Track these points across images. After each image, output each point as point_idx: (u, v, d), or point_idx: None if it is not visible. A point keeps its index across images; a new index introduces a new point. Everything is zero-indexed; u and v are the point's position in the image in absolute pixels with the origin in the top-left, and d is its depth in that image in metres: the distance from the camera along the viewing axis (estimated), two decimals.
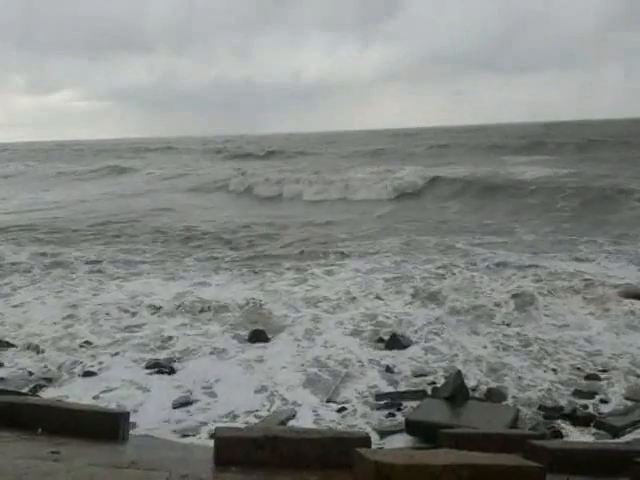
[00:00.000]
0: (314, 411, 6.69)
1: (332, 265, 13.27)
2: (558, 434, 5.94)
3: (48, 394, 6.85)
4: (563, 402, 6.76)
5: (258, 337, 8.82)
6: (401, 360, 8.03)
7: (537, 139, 44.33)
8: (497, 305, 10.07)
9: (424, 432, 5.69)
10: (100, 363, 7.96)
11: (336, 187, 27.63)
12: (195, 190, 31.99)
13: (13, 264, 13.81)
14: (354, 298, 10.72)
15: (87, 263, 13.94)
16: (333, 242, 16.10)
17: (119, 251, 15.39)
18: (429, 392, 6.99)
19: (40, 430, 4.20)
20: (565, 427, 6.18)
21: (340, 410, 6.70)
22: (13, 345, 8.47)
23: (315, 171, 31.86)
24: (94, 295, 11.18)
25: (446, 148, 46.47)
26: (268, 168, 36.77)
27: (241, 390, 7.18)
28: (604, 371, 7.54)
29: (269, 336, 8.90)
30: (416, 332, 8.99)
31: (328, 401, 6.89)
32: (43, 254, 14.86)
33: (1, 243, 16.71)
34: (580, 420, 6.28)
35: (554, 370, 7.62)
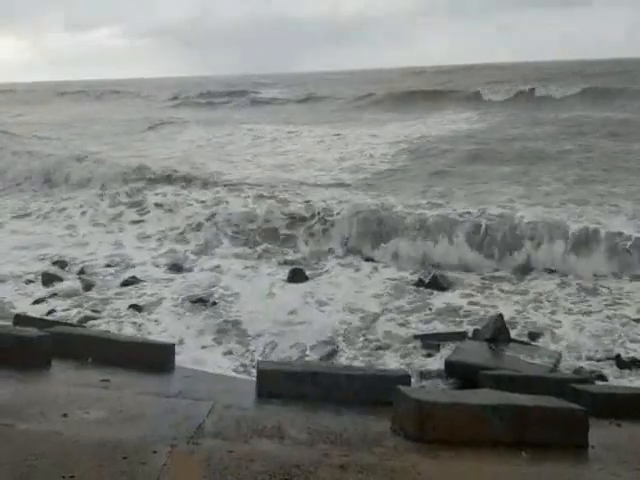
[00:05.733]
0: (351, 349, 6.75)
1: None
2: (602, 379, 5.86)
3: (96, 326, 7.09)
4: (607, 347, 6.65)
5: (297, 277, 8.92)
6: (441, 301, 8.00)
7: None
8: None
9: (464, 374, 5.67)
10: (149, 297, 8.18)
11: None
12: None
13: None
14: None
15: None
16: None
17: None
18: (469, 334, 6.95)
19: (90, 360, 4.38)
20: (609, 372, 6.09)
21: (376, 349, 6.74)
22: (62, 279, 8.76)
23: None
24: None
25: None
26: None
27: (281, 327, 7.29)
28: None
29: (307, 275, 8.99)
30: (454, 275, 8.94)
31: (365, 339, 6.94)
32: None
33: None
34: (625, 365, 6.17)
35: (598, 312, 7.48)
